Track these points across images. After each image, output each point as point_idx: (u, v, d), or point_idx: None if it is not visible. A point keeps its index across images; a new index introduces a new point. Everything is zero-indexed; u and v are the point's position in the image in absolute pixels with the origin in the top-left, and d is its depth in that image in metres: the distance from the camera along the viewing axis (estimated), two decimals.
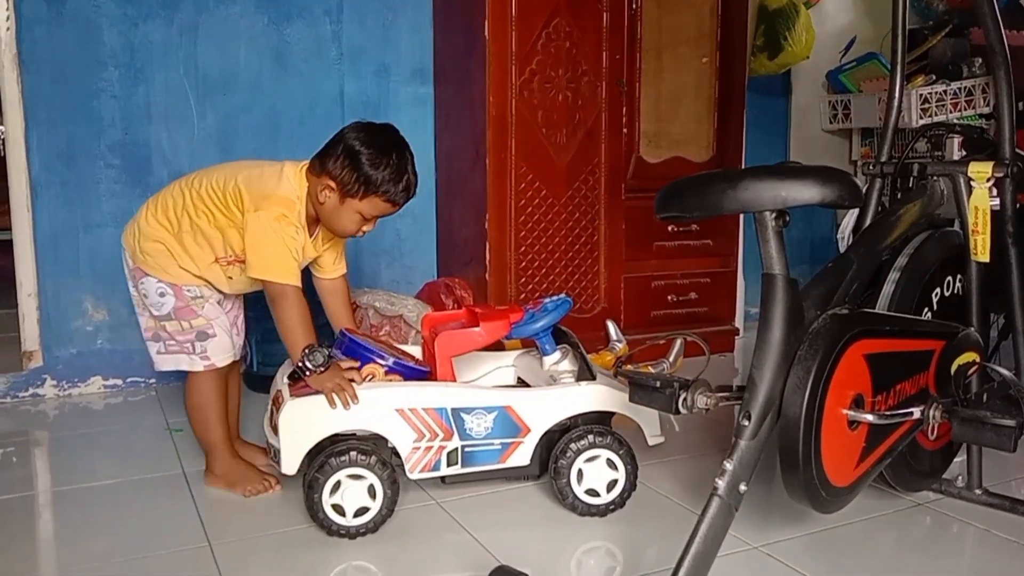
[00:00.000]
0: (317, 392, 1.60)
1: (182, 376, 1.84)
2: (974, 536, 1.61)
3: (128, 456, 2.05)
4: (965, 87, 3.15)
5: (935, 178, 1.72)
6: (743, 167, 3.03)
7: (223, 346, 1.79)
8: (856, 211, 1.91)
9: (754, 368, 1.25)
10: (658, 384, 1.39)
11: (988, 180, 1.64)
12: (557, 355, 1.84)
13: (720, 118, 3.00)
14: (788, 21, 3.23)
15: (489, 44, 2.59)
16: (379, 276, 2.96)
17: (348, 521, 1.56)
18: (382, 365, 1.71)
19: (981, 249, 1.65)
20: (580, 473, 1.67)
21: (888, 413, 1.39)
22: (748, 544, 1.54)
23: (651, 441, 1.76)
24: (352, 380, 1.62)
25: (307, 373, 1.60)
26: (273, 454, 1.65)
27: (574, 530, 1.64)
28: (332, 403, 1.58)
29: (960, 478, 1.74)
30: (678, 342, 2.01)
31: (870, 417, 1.34)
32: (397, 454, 1.64)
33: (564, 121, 2.73)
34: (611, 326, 2.24)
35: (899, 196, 1.78)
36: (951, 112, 3.12)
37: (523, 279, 2.75)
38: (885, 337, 1.41)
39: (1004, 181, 1.65)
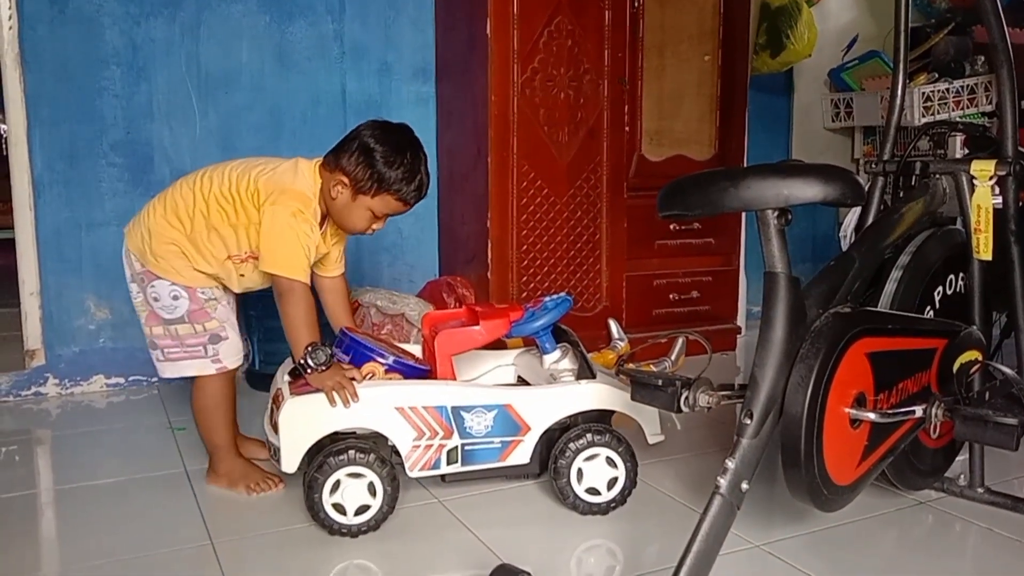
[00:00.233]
0: (317, 390, 1.60)
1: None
2: (976, 535, 1.61)
3: (130, 454, 2.06)
4: (967, 85, 3.14)
5: (937, 176, 1.72)
6: (745, 165, 3.03)
7: (235, 348, 1.79)
8: (858, 209, 1.91)
9: (756, 366, 1.25)
10: (660, 382, 1.39)
11: (990, 178, 1.64)
12: (557, 353, 1.84)
13: (722, 116, 2.99)
14: (790, 19, 3.22)
15: (491, 42, 2.59)
16: (381, 275, 2.96)
17: (349, 520, 1.56)
18: (382, 363, 1.71)
19: (983, 247, 1.65)
20: (580, 472, 1.67)
21: (890, 411, 1.38)
22: (750, 542, 1.54)
23: (651, 440, 1.76)
24: (352, 378, 1.61)
25: (308, 371, 1.60)
26: (273, 452, 1.65)
27: (575, 528, 1.63)
28: (332, 401, 1.58)
29: (962, 476, 1.74)
30: (680, 340, 2.01)
31: (872, 415, 1.34)
32: (397, 452, 1.64)
33: (566, 119, 2.73)
34: (613, 324, 2.25)
35: (901, 194, 1.78)
36: (953, 110, 3.11)
37: (525, 277, 2.75)
38: (887, 335, 1.41)
39: (1006, 179, 1.65)
